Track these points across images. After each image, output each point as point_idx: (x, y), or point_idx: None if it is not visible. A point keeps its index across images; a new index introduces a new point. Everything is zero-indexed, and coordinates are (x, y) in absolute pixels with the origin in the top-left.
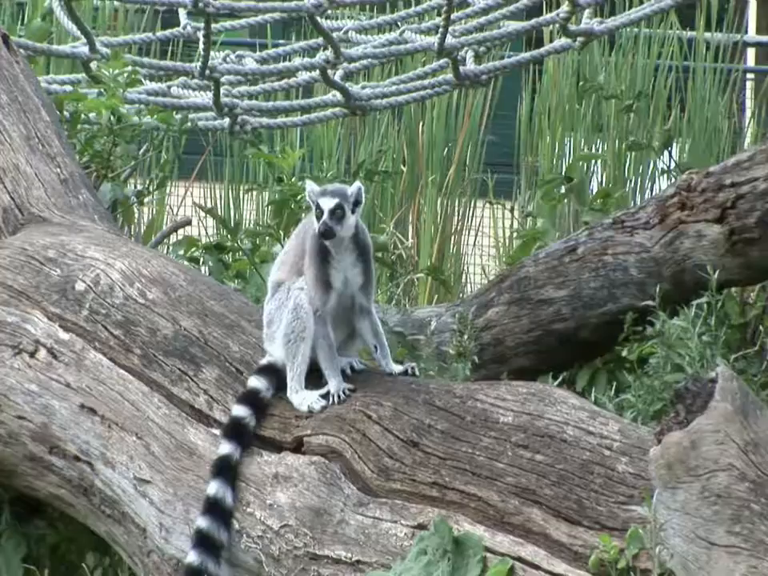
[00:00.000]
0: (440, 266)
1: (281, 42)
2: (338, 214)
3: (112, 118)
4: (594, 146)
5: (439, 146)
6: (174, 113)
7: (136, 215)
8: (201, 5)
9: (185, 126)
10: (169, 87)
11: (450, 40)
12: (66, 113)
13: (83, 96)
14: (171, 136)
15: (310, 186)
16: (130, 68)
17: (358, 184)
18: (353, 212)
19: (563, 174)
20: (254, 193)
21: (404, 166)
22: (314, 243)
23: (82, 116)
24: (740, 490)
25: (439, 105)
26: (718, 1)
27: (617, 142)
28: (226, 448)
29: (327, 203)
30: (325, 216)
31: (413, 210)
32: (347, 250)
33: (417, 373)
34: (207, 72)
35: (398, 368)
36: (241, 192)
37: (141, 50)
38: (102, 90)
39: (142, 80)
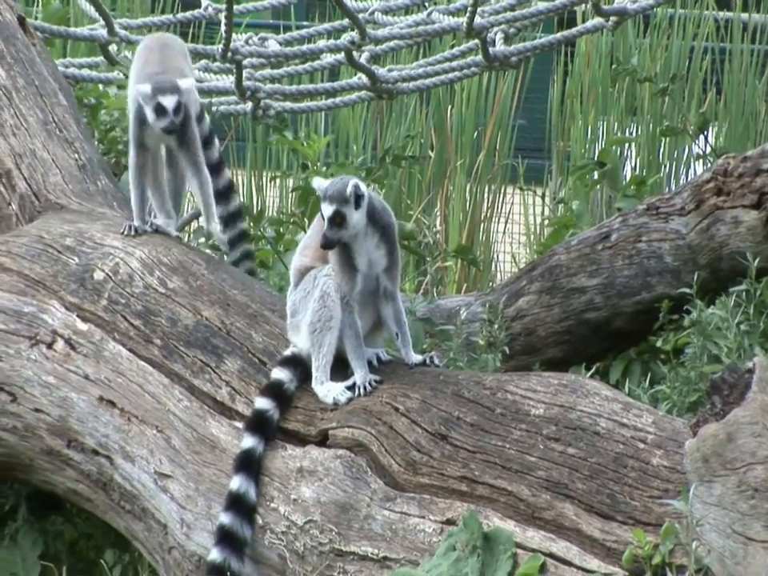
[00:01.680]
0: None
1: (304, 23)
2: (337, 221)
3: None
4: (627, 129)
5: (468, 131)
6: None
7: None
8: None
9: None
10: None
11: (478, 20)
12: (85, 100)
13: (105, 93)
14: None
15: (317, 183)
16: None
17: (353, 182)
18: (356, 208)
19: (596, 159)
20: (278, 179)
21: (432, 150)
22: None
23: (104, 105)
24: None
25: (468, 87)
26: None
27: (651, 125)
28: (248, 442)
29: (326, 210)
30: (325, 226)
31: (441, 196)
32: (366, 236)
33: (436, 362)
34: (229, 54)
35: (417, 358)
36: (264, 178)
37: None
38: (124, 84)
39: None
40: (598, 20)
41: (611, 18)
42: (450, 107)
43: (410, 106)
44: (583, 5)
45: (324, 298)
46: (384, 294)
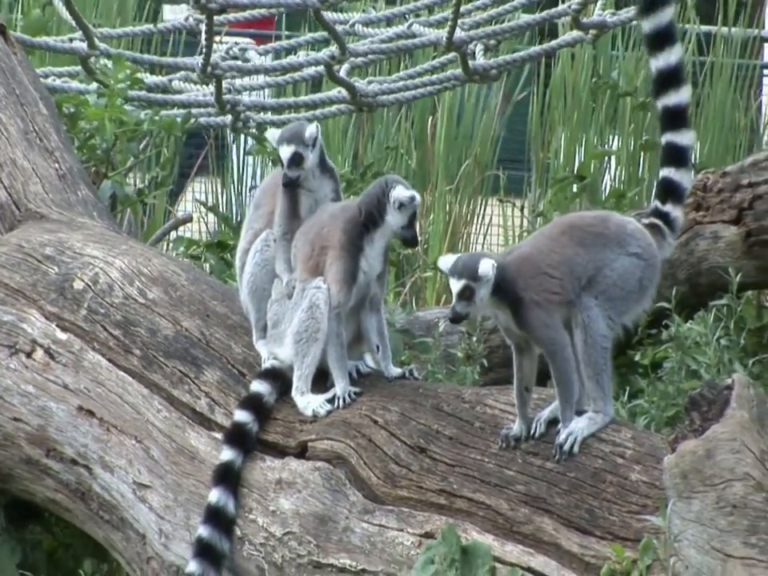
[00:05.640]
0: None
1: (285, 33)
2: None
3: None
4: (607, 142)
5: (450, 142)
6: (176, 109)
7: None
8: (202, 1)
9: (187, 127)
10: (170, 81)
11: (459, 33)
12: (65, 109)
13: (84, 100)
14: (173, 136)
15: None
16: (129, 72)
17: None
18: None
19: (575, 172)
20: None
21: (412, 162)
22: (351, 233)
23: (83, 114)
24: (757, 501)
25: (451, 98)
26: None
27: (632, 139)
28: (228, 454)
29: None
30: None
31: (422, 208)
32: (383, 238)
33: (416, 375)
34: (209, 69)
35: (396, 371)
36: (244, 188)
37: (142, 41)
38: (103, 93)
39: (143, 80)
40: (577, 33)
41: (591, 31)
42: (431, 118)
43: (393, 117)
44: (563, 18)
45: (312, 309)
46: (370, 304)
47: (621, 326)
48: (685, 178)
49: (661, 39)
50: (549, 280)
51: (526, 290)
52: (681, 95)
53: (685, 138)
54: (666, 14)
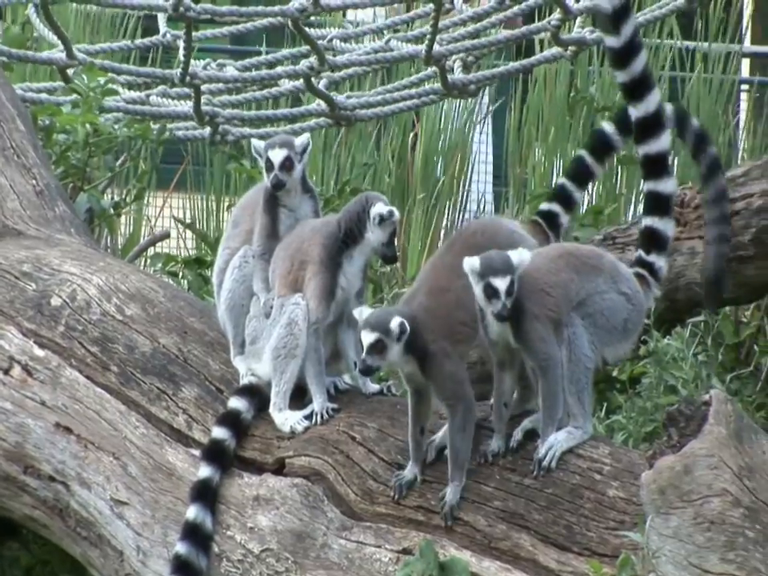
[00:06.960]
0: None
1: (262, 49)
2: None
3: (88, 126)
4: None
5: (429, 157)
6: (152, 122)
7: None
8: (181, 9)
9: (163, 137)
10: (147, 96)
11: (437, 48)
12: (40, 122)
13: (58, 110)
14: (149, 147)
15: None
16: (104, 79)
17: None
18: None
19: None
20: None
21: (389, 177)
22: (331, 248)
23: (58, 125)
24: (734, 516)
25: (430, 114)
26: (715, 11)
27: None
28: (205, 471)
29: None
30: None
31: (401, 224)
32: (362, 255)
33: (393, 391)
34: (187, 78)
35: (374, 387)
36: (222, 203)
37: (120, 58)
38: (78, 103)
39: (119, 90)
40: (556, 49)
41: (570, 48)
42: (411, 134)
43: (374, 132)
44: (541, 34)
45: (291, 325)
46: (348, 320)
47: (602, 357)
48: (668, 228)
49: (638, 88)
50: (546, 297)
51: (527, 302)
52: (661, 142)
53: (667, 185)
54: (639, 63)
